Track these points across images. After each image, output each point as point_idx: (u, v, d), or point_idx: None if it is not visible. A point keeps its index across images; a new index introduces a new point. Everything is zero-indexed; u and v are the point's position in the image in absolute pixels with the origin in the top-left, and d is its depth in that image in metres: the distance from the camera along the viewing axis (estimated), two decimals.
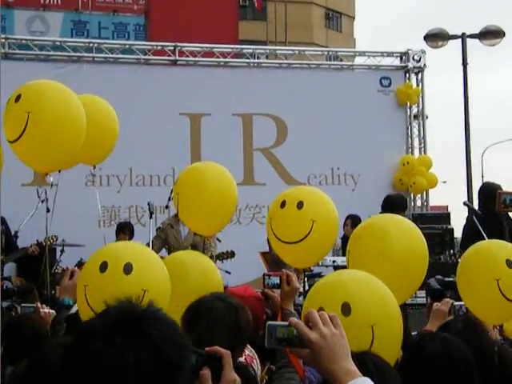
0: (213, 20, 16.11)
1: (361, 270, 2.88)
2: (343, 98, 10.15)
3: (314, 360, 1.53)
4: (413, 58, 10.62)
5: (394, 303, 2.37)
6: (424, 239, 3.02)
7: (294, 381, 2.54)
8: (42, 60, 9.68)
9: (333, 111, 10.10)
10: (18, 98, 3.45)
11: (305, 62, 10.77)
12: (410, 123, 10.68)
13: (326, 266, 7.28)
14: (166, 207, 7.88)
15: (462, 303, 3.13)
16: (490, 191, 6.35)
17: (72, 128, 3.54)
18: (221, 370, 1.52)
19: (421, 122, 10.76)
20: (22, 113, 3.39)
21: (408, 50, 10.67)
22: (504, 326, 3.31)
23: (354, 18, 32.93)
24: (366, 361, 1.81)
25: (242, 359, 2.65)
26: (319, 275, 7.34)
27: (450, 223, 7.88)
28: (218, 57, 10.36)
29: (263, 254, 7.04)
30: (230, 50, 10.77)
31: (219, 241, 6.17)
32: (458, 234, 7.72)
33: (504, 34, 11.00)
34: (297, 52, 10.89)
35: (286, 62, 10.61)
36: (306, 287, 5.63)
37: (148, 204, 7.21)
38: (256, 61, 10.46)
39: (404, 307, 6.05)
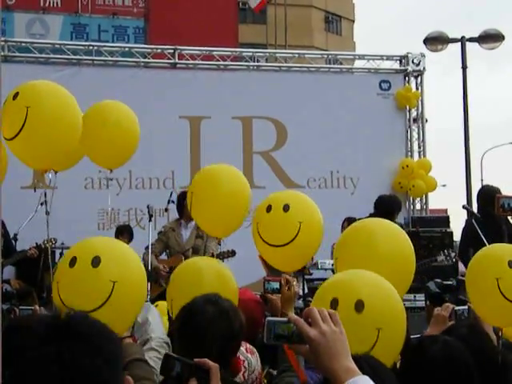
0: (212, 23, 16.12)
1: None
2: (343, 102, 10.16)
3: (313, 357, 1.52)
4: (412, 62, 10.63)
5: (402, 309, 2.35)
6: (410, 242, 3.02)
7: None
8: (41, 63, 9.69)
9: (332, 114, 10.10)
10: (15, 96, 3.46)
11: (304, 65, 10.79)
12: (410, 126, 10.68)
13: (326, 270, 7.29)
14: (166, 210, 7.91)
15: (464, 307, 3.13)
16: (488, 195, 6.34)
17: (69, 124, 3.55)
18: (208, 383, 1.52)
19: (420, 125, 10.77)
20: (21, 108, 3.38)
21: (407, 53, 10.68)
22: (503, 330, 3.31)
23: (353, 21, 32.99)
24: (360, 361, 1.81)
25: (243, 349, 2.65)
26: (318, 279, 7.35)
27: (449, 226, 7.88)
28: (217, 60, 10.37)
29: (263, 257, 7.03)
30: (230, 53, 10.78)
31: (219, 244, 6.18)
32: (457, 237, 7.73)
33: (503, 38, 11.02)
34: (296, 55, 10.91)
35: (285, 65, 10.62)
36: (306, 290, 5.65)
37: (147, 207, 7.21)
38: (256, 64, 10.47)
39: None
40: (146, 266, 6.61)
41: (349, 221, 7.78)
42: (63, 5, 16.28)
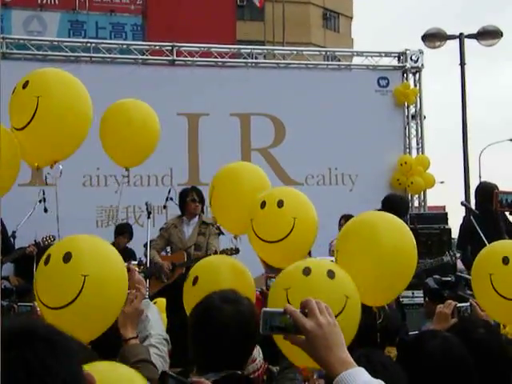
0: (210, 20, 16.12)
1: (349, 268, 2.88)
2: (341, 98, 10.16)
3: (309, 348, 1.53)
4: (410, 58, 10.63)
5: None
6: (412, 236, 3.03)
7: (298, 381, 2.55)
8: (39, 60, 9.67)
9: (330, 111, 10.10)
10: (25, 85, 3.35)
11: (302, 62, 10.79)
12: (408, 123, 10.69)
13: None
14: (164, 207, 7.90)
15: (466, 304, 3.14)
16: (486, 191, 6.36)
17: (80, 112, 3.47)
18: None
19: (418, 122, 10.77)
20: (31, 98, 3.28)
21: (406, 50, 10.68)
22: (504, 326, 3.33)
23: (351, 18, 32.96)
24: (373, 360, 1.82)
25: None
26: None
27: (447, 223, 7.88)
28: (215, 57, 10.36)
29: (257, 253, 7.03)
30: (228, 50, 10.78)
31: (222, 233, 6.18)
32: (455, 234, 7.74)
33: (502, 35, 11.02)
34: (294, 52, 10.90)
35: (283, 62, 10.62)
36: None
37: (146, 204, 7.22)
38: (254, 61, 10.46)
39: (401, 307, 6.07)
40: (145, 262, 6.62)
41: (345, 218, 7.78)
42: (61, 2, 16.27)
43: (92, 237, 2.83)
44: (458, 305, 3.03)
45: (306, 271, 2.64)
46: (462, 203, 7.13)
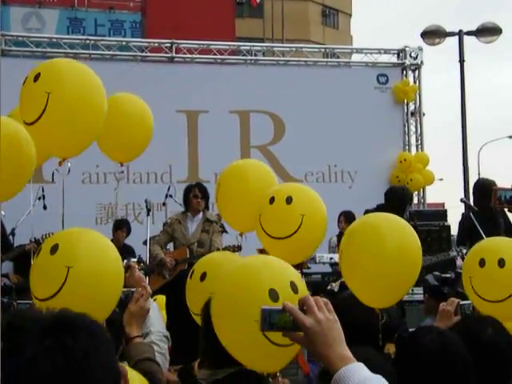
0: (210, 17, 16.10)
1: (354, 269, 2.87)
2: (340, 95, 10.15)
3: (308, 344, 1.54)
4: (410, 55, 10.63)
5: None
6: (417, 237, 3.02)
7: (299, 376, 2.56)
8: (38, 57, 9.65)
9: (330, 108, 10.10)
10: (36, 78, 3.20)
11: (302, 59, 10.78)
12: (407, 120, 10.69)
13: (324, 264, 7.30)
14: (163, 204, 7.91)
15: (469, 302, 3.13)
16: (484, 187, 6.35)
17: (94, 108, 3.29)
18: None
19: (418, 119, 10.77)
20: (42, 93, 3.14)
21: (405, 47, 10.68)
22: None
23: (350, 15, 32.92)
24: (357, 357, 1.83)
25: None
26: (316, 273, 7.37)
27: (446, 220, 7.88)
28: (215, 54, 10.36)
29: (261, 251, 7.04)
30: (227, 47, 10.77)
31: (226, 231, 6.18)
32: (454, 230, 7.74)
33: (501, 31, 11.01)
34: (294, 49, 10.89)
35: (283, 59, 10.61)
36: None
37: (145, 201, 7.21)
38: (253, 58, 10.45)
39: (401, 304, 6.08)
40: (145, 260, 6.61)
41: (345, 215, 7.79)
42: None
43: (86, 230, 2.80)
44: (461, 302, 3.01)
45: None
46: (461, 200, 7.12)
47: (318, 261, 7.16)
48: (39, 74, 3.20)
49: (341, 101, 10.11)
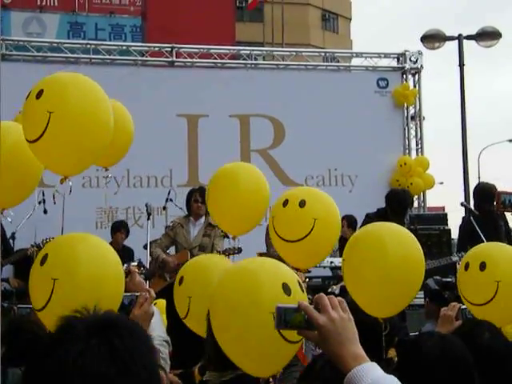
0: (210, 21, 16.12)
1: (357, 278, 2.87)
2: (340, 99, 10.16)
3: (322, 343, 1.55)
4: (410, 59, 10.64)
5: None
6: (420, 247, 3.02)
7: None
8: (39, 61, 9.67)
9: (330, 112, 10.10)
10: (39, 95, 3.08)
11: (302, 63, 10.79)
12: (407, 124, 10.69)
13: (324, 267, 7.29)
14: (164, 208, 7.91)
15: None
16: (484, 191, 6.36)
17: (98, 127, 3.16)
18: None
19: (418, 123, 10.77)
20: (44, 112, 3.02)
21: (405, 51, 10.69)
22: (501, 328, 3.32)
23: (350, 19, 32.97)
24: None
25: None
26: (317, 277, 7.36)
27: (447, 224, 7.87)
28: (215, 58, 10.36)
29: (261, 254, 7.03)
30: (227, 51, 10.78)
31: (227, 236, 6.19)
32: (454, 234, 7.73)
33: (500, 36, 11.03)
34: (294, 53, 10.90)
35: (282, 63, 10.62)
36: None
37: (146, 205, 7.21)
38: (253, 62, 10.46)
39: None
40: (144, 264, 6.60)
41: (347, 219, 7.78)
42: (60, 3, 16.27)
43: (77, 237, 2.77)
44: (462, 307, 3.01)
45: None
46: (461, 204, 7.13)
47: (318, 264, 7.15)
48: (42, 90, 3.10)
49: (341, 105, 10.12)
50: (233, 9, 19.16)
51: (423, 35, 11.10)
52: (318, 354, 2.43)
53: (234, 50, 11.10)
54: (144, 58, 10.22)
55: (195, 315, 3.10)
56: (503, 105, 72.97)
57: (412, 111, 10.77)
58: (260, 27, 23.80)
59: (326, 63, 11.09)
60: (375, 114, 10.27)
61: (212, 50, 10.42)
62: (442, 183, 26.46)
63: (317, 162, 9.99)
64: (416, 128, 10.77)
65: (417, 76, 10.75)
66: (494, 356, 2.26)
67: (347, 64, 11.31)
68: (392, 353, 3.13)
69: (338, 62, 11.08)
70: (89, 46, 10.04)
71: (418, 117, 10.78)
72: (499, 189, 5.82)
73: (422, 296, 5.21)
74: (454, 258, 6.20)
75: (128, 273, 2.81)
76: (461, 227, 6.76)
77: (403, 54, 10.67)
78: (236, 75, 10.29)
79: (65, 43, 10.30)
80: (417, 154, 10.72)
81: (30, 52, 9.64)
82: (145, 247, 6.83)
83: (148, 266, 6.44)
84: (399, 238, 2.96)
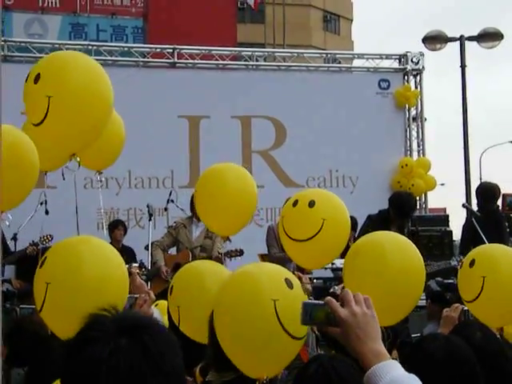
0: (211, 23, 16.11)
1: (357, 287, 2.87)
2: (342, 101, 10.16)
3: (344, 339, 1.55)
4: (411, 61, 10.63)
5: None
6: (421, 256, 3.02)
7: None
8: None
9: (331, 113, 10.10)
10: (36, 79, 3.04)
11: (303, 64, 10.80)
12: (409, 125, 10.69)
13: (325, 269, 7.28)
14: (165, 209, 7.91)
15: None
16: (487, 191, 6.35)
17: (98, 104, 3.14)
18: None
19: (419, 124, 10.77)
20: (42, 97, 3.00)
21: (406, 52, 10.68)
22: (504, 328, 3.32)
23: (351, 20, 32.99)
24: (329, 372, 1.86)
25: None
26: (319, 278, 7.35)
27: (448, 225, 7.86)
28: (216, 59, 10.37)
29: (262, 256, 7.04)
30: (229, 52, 10.79)
31: (230, 240, 6.20)
32: (456, 236, 7.73)
33: (502, 37, 11.03)
34: (295, 54, 10.91)
35: (284, 64, 10.63)
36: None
37: (147, 206, 7.21)
38: (254, 63, 10.47)
39: None
40: (146, 265, 6.61)
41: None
42: (62, 5, 16.25)
43: (79, 238, 2.77)
44: (465, 308, 3.01)
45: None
46: (463, 205, 7.13)
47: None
48: (39, 74, 3.06)
49: (342, 106, 10.12)
50: (234, 10, 19.15)
51: (425, 36, 11.11)
52: (313, 356, 2.44)
53: (235, 51, 11.10)
54: (145, 60, 10.23)
55: (186, 323, 3.14)
56: (505, 106, 72.95)
57: (413, 112, 10.76)
58: (261, 28, 23.79)
59: (327, 64, 11.10)
60: (377, 116, 10.27)
61: (213, 52, 10.42)
62: (443, 184, 26.44)
63: (318, 163, 9.99)
64: (417, 129, 10.77)
65: (418, 77, 10.75)
66: (486, 356, 2.25)
67: (349, 65, 11.31)
68: (394, 354, 3.13)
69: (340, 63, 11.07)
70: (90, 47, 10.05)
71: (419, 118, 10.78)
72: (502, 191, 5.84)
73: (424, 297, 5.21)
74: (453, 263, 6.19)
75: (129, 275, 2.81)
76: (463, 229, 6.76)
77: (405, 55, 10.66)
78: (237, 76, 10.29)
79: (66, 44, 10.31)
80: (418, 155, 10.71)
81: (32, 53, 9.64)
82: (146, 248, 6.83)
83: (149, 267, 6.46)
84: (399, 247, 2.97)
